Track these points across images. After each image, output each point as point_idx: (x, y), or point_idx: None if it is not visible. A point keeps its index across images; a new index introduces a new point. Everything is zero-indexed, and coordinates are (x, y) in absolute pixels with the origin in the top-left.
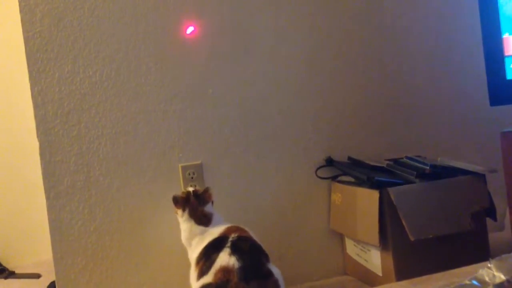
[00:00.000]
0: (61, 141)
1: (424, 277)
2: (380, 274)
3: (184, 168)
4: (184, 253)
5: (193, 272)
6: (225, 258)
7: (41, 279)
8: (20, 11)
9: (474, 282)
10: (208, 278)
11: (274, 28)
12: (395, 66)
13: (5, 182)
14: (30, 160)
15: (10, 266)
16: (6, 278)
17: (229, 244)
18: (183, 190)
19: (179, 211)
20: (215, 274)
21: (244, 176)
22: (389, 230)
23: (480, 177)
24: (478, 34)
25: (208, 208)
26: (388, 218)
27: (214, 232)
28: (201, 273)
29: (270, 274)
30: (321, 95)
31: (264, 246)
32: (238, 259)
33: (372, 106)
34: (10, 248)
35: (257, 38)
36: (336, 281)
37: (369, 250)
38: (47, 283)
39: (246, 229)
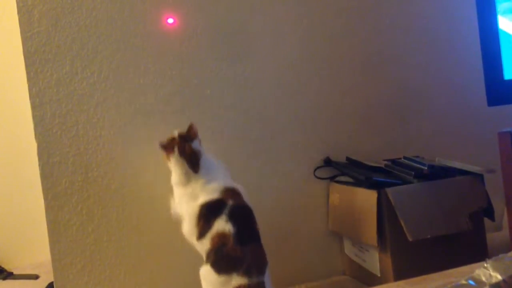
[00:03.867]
0: (59, 142)
1: (420, 277)
2: (378, 274)
3: None
4: (182, 253)
5: (192, 228)
6: (221, 224)
7: (39, 280)
8: (18, 12)
9: (471, 282)
10: (206, 242)
11: (273, 29)
12: (393, 66)
13: (3, 183)
14: (28, 161)
15: (8, 267)
16: (4, 279)
17: (227, 211)
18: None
19: (170, 155)
20: (212, 239)
21: (242, 176)
22: (387, 230)
23: (478, 177)
24: (475, 34)
25: (195, 145)
26: (386, 218)
27: (210, 189)
28: (200, 235)
29: (258, 234)
30: (320, 96)
31: (263, 245)
32: (233, 225)
33: (370, 106)
34: (8, 249)
35: (255, 38)
36: (335, 281)
37: (367, 251)
38: (45, 284)
39: (240, 191)
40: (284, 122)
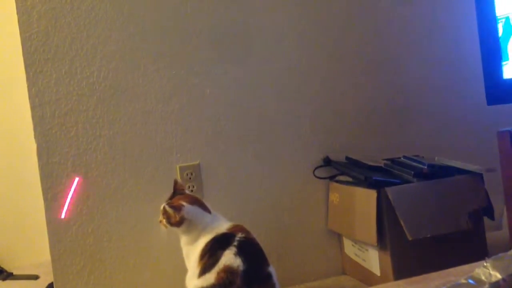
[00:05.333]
0: (58, 142)
1: (420, 277)
2: (378, 273)
3: (182, 169)
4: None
5: (194, 269)
6: (230, 257)
7: (39, 280)
8: (17, 12)
9: (470, 281)
10: (210, 277)
11: (273, 29)
12: (392, 66)
13: (3, 183)
14: (28, 161)
15: (8, 267)
16: (4, 279)
17: (236, 243)
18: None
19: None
20: (218, 273)
21: (242, 176)
22: (387, 229)
23: (477, 177)
24: (474, 33)
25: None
26: (386, 217)
27: (215, 227)
28: (203, 271)
29: (270, 276)
30: (319, 95)
31: (262, 246)
32: (243, 262)
33: (370, 106)
34: (8, 249)
35: (255, 38)
36: (334, 281)
37: (367, 250)
38: (45, 285)
39: (249, 231)
40: (283, 122)
